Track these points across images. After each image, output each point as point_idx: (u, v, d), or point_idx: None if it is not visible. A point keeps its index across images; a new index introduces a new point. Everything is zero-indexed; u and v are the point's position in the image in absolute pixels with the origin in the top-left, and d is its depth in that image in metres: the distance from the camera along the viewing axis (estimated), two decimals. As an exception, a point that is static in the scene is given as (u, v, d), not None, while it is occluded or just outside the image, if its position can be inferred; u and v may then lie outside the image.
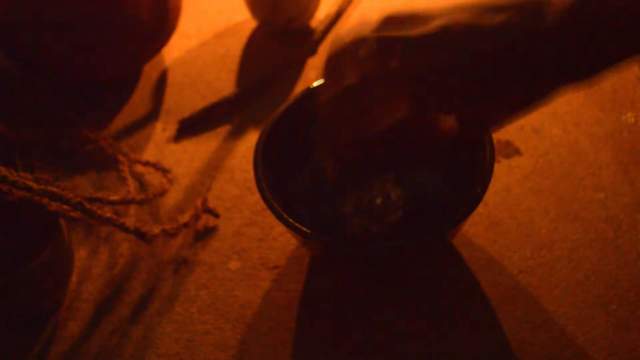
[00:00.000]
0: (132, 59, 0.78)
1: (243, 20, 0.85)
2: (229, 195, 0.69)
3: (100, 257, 0.66)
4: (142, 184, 0.71)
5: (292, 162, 0.62)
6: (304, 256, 0.64)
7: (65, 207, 0.58)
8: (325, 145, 0.53)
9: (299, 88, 0.77)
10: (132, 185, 0.70)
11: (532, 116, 0.71)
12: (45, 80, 0.78)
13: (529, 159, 0.68)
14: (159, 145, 0.75)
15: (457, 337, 0.58)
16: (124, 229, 0.61)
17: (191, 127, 0.76)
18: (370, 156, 0.52)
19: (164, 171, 0.70)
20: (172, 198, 0.70)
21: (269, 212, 0.55)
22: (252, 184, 0.57)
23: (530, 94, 0.45)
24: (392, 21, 0.46)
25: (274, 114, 0.61)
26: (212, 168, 0.72)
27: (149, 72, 0.82)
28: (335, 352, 0.59)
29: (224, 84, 0.79)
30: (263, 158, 0.58)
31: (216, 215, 0.67)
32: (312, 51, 0.80)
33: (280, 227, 0.65)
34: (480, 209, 0.55)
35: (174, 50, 0.83)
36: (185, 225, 0.65)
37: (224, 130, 0.75)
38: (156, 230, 0.63)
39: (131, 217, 0.69)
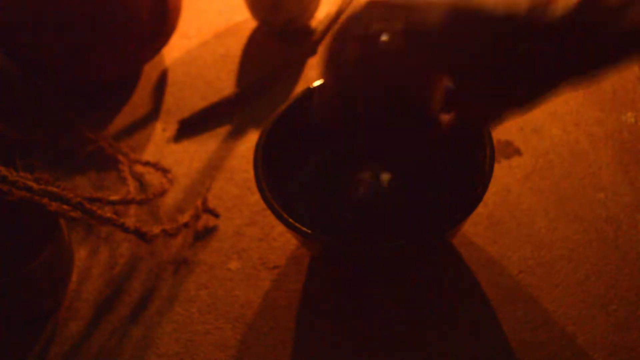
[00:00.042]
0: (132, 59, 0.78)
1: (243, 20, 0.85)
2: (229, 195, 0.69)
3: (100, 257, 0.66)
4: (142, 184, 0.71)
5: (292, 162, 0.62)
6: (304, 256, 0.64)
7: (65, 207, 0.58)
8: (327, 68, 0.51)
9: (299, 88, 0.77)
10: (132, 185, 0.70)
11: (532, 116, 0.71)
12: (45, 80, 0.78)
13: (529, 159, 0.68)
14: (159, 145, 0.75)
15: (457, 337, 0.58)
16: (124, 229, 0.61)
17: (191, 127, 0.76)
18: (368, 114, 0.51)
19: (164, 171, 0.70)
20: (172, 198, 0.70)
21: (269, 212, 0.55)
22: (252, 184, 0.57)
23: (532, 91, 0.45)
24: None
25: (274, 114, 0.61)
26: (212, 168, 0.72)
27: (149, 72, 0.82)
28: (335, 352, 0.59)
29: (224, 84, 0.79)
30: (263, 158, 0.58)
31: (216, 215, 0.67)
32: (312, 51, 0.80)
33: (280, 227, 0.65)
34: (480, 209, 0.55)
35: (174, 50, 0.83)
36: (185, 225, 0.65)
37: (224, 130, 0.75)
38: (156, 230, 0.63)
39: (131, 217, 0.69)
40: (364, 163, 0.63)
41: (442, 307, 0.60)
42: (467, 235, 0.63)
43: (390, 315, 0.60)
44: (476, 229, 0.64)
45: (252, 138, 0.73)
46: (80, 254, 0.66)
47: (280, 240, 0.65)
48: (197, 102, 0.78)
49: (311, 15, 0.82)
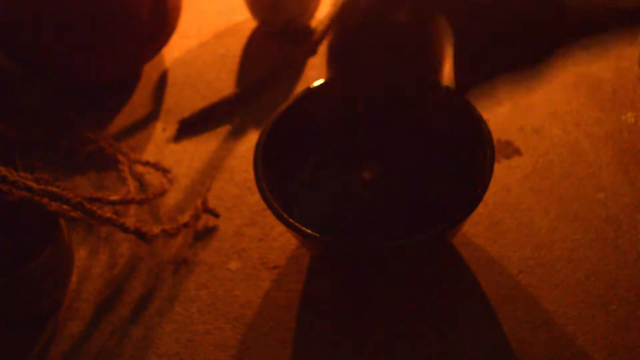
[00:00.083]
0: (132, 59, 0.78)
1: (243, 20, 0.85)
2: (229, 195, 0.69)
3: (100, 257, 0.66)
4: (142, 184, 0.71)
5: (292, 162, 0.62)
6: (304, 256, 0.64)
7: (65, 207, 0.58)
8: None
9: (299, 88, 0.77)
10: (132, 185, 0.70)
11: (532, 116, 0.71)
12: (45, 80, 0.78)
13: (529, 159, 0.68)
14: (159, 145, 0.75)
15: (457, 337, 0.58)
16: (124, 229, 0.61)
17: (191, 127, 0.76)
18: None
19: (164, 171, 0.70)
20: (172, 198, 0.70)
21: (269, 212, 0.55)
22: (252, 184, 0.57)
23: (525, 59, 0.45)
24: None
25: (274, 114, 0.61)
26: (212, 168, 0.72)
27: (149, 72, 0.82)
28: (335, 352, 0.59)
29: (224, 84, 0.79)
30: (263, 158, 0.58)
31: (216, 215, 0.67)
32: (312, 51, 0.80)
33: (280, 227, 0.65)
34: (480, 209, 0.55)
35: (174, 50, 0.83)
36: (185, 225, 0.65)
37: (224, 130, 0.75)
38: (156, 230, 0.63)
39: (131, 217, 0.69)
40: (364, 163, 0.64)
41: (442, 307, 0.60)
42: (467, 235, 0.63)
43: (391, 316, 0.60)
44: (476, 229, 0.64)
45: (252, 138, 0.73)
46: (80, 254, 0.66)
47: (280, 240, 0.65)
48: (197, 102, 0.78)
49: (311, 15, 0.82)
